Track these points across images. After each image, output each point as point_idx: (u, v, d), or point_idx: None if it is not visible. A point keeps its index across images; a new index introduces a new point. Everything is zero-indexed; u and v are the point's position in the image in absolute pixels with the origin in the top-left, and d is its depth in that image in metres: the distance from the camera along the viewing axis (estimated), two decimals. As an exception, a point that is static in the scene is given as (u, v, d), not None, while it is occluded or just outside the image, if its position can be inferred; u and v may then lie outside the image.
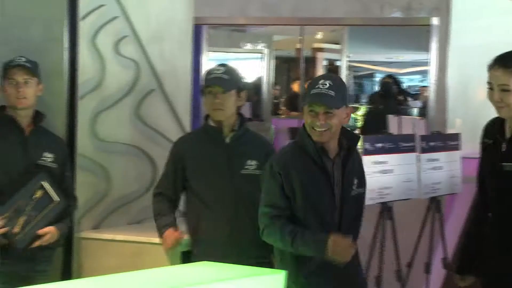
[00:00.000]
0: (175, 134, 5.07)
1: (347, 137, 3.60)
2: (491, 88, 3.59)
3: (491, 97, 3.60)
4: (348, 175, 3.57)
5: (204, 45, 7.94)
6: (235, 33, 10.60)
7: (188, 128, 5.28)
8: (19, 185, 4.08)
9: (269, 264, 4.05)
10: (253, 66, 11.10)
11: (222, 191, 3.99)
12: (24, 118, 4.16)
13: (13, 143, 4.12)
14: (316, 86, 3.41)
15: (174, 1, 5.28)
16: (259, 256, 4.00)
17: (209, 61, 7.87)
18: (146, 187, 4.98)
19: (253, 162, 4.05)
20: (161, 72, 5.10)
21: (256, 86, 10.94)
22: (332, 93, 3.38)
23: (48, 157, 4.18)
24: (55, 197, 4.14)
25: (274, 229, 3.55)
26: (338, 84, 3.46)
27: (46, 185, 4.11)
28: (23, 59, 4.14)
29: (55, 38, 4.65)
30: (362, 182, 3.65)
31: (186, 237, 4.15)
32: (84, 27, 4.70)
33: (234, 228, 3.99)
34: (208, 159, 4.03)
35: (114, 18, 4.87)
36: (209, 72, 4.08)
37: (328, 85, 3.39)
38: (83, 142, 4.69)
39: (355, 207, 3.62)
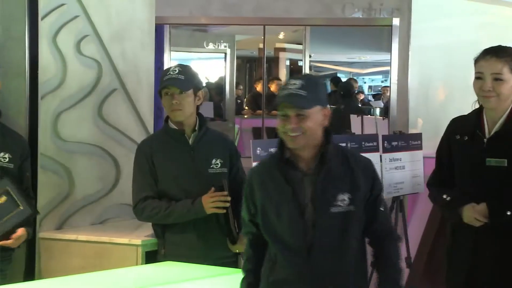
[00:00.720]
0: (137, 134, 5.04)
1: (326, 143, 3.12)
2: (479, 78, 3.63)
3: (479, 87, 3.64)
4: (324, 189, 3.05)
5: (166, 45, 7.92)
6: (197, 32, 10.58)
7: (151, 128, 5.25)
8: None
9: (234, 264, 4.07)
10: (216, 65, 11.10)
11: (189, 193, 3.97)
12: None
13: None
14: (286, 87, 3.04)
15: (135, 0, 5.25)
16: (225, 256, 4.02)
17: (172, 60, 7.85)
18: (109, 187, 4.95)
19: (218, 161, 4.06)
20: (123, 72, 5.07)
21: (218, 86, 10.94)
22: (303, 92, 2.99)
23: (4, 158, 4.11)
24: (19, 204, 4.04)
25: None
26: (310, 83, 3.05)
27: (11, 191, 4.03)
28: None
29: (16, 37, 4.60)
30: (356, 198, 3.07)
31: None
32: (45, 26, 4.65)
33: (201, 228, 3.98)
34: (173, 160, 4.01)
35: (75, 17, 4.83)
36: (165, 73, 4.07)
37: (298, 84, 3.00)
38: (45, 142, 4.64)
39: (336, 227, 3.04)
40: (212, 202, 3.90)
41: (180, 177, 4.02)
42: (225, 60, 10.87)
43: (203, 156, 4.05)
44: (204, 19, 8.30)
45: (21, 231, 4.06)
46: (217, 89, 10.94)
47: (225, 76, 10.85)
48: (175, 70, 4.01)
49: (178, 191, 4.01)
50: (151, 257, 4.25)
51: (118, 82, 5.05)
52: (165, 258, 3.96)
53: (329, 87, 12.13)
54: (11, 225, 4.03)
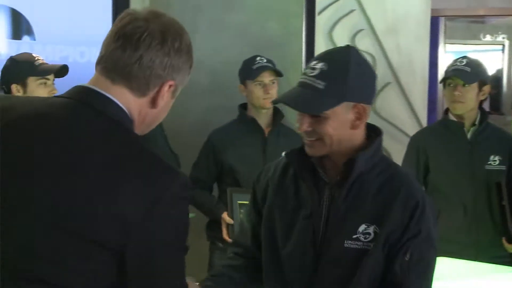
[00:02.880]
0: (411, 128, 5.01)
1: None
2: None
3: None
4: (345, 212, 2.17)
5: (441, 38, 7.79)
6: (473, 24, 10.31)
7: (424, 122, 5.20)
8: None
9: (509, 264, 3.91)
10: (493, 58, 10.76)
11: (462, 188, 3.88)
12: (265, 117, 4.22)
13: (253, 143, 4.20)
14: (303, 73, 2.19)
15: (411, -7, 5.23)
16: (499, 256, 3.87)
17: (446, 53, 7.71)
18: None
19: (496, 158, 3.92)
20: (397, 65, 5.06)
21: (495, 79, 10.60)
22: (320, 84, 2.10)
23: None
24: None
25: None
26: (335, 66, 2.15)
27: None
28: (265, 60, 4.16)
29: (293, 32, 4.74)
30: (381, 233, 2.13)
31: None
32: (321, 21, 4.76)
33: (473, 227, 3.87)
34: (449, 154, 3.94)
35: (351, 11, 4.90)
36: (451, 64, 4.01)
37: (318, 69, 2.12)
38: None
39: (348, 268, 2.15)
40: None
41: (452, 171, 3.94)
42: (503, 52, 10.52)
43: (480, 152, 3.94)
44: (481, 10, 8.06)
45: None
46: (494, 82, 10.61)
47: (502, 69, 10.51)
48: (462, 62, 3.93)
49: (450, 185, 3.93)
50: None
51: (391, 75, 5.05)
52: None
53: None
54: None
